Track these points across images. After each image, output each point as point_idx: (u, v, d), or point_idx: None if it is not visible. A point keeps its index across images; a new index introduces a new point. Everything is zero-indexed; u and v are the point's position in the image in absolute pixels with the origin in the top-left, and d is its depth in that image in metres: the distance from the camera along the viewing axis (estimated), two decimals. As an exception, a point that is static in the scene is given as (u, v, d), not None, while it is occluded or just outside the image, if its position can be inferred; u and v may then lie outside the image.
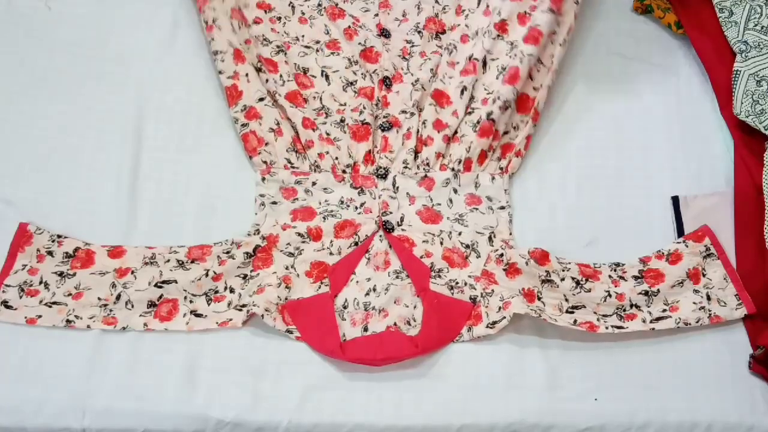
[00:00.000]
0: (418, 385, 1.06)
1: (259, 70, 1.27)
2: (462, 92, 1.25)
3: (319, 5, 1.36)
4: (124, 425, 1.02)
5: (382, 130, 1.25)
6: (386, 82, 1.29)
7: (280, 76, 1.27)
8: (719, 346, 1.11)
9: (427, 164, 1.22)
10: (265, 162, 1.21)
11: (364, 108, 1.25)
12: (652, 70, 1.35)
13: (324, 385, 1.05)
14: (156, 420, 1.02)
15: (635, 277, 1.15)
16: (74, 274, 1.11)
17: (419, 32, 1.35)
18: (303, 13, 1.35)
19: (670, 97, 1.32)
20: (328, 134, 1.23)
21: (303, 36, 1.33)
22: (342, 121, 1.24)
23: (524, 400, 1.06)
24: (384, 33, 1.35)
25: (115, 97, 1.25)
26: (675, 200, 1.22)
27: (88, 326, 1.07)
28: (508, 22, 1.27)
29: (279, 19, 1.34)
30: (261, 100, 1.24)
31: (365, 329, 1.08)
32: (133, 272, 1.11)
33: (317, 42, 1.33)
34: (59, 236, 1.13)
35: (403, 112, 1.26)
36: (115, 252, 1.13)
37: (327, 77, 1.29)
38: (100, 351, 1.06)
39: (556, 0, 1.26)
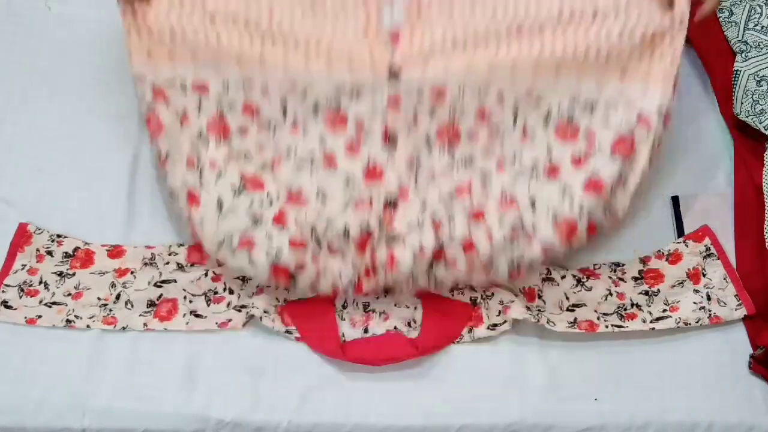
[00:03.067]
0: (418, 385, 1.06)
1: (240, 191, 1.08)
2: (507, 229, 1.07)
3: (316, 106, 1.12)
4: (124, 425, 1.02)
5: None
6: (390, 204, 1.09)
7: (267, 194, 1.09)
8: (719, 346, 1.11)
9: None
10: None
11: (368, 226, 1.07)
12: (652, 70, 1.35)
13: (324, 385, 1.05)
14: (156, 420, 1.02)
15: (635, 278, 1.15)
16: (74, 274, 1.11)
17: (428, 145, 1.13)
18: (295, 123, 1.13)
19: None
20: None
21: (296, 147, 1.12)
22: (346, 234, 1.06)
23: (524, 400, 1.06)
24: (390, 138, 1.12)
25: (115, 97, 1.24)
26: (675, 200, 1.22)
27: (88, 326, 1.07)
28: (559, 165, 1.11)
29: (268, 125, 1.13)
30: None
31: (365, 331, 1.08)
32: (132, 272, 1.11)
33: (311, 151, 1.12)
34: (59, 236, 1.13)
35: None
36: (115, 252, 1.13)
37: (323, 198, 1.09)
38: (100, 351, 1.06)
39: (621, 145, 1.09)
